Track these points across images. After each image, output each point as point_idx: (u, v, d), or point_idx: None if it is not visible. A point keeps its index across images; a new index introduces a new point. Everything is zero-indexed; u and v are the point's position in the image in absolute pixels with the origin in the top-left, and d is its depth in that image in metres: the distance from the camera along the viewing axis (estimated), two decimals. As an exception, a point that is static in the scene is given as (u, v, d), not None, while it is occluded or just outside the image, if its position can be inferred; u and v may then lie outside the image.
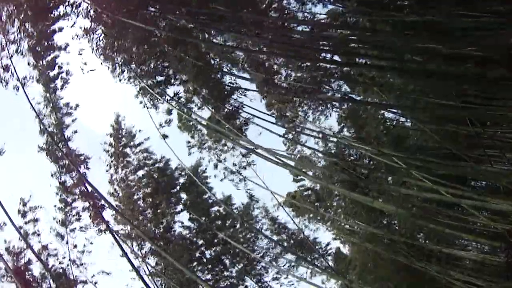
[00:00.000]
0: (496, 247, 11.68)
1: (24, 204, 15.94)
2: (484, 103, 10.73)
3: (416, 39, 11.01)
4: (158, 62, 16.68)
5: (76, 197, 16.61)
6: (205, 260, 18.38)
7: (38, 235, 15.79)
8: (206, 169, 19.78)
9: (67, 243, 16.01)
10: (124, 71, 16.47)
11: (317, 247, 20.22)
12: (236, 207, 19.70)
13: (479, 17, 10.22)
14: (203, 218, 18.87)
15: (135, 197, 18.59)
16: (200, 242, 18.81)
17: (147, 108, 18.86)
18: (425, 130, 13.17)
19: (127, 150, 19.22)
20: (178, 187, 19.38)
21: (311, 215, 20.30)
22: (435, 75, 10.61)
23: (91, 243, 16.40)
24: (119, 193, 18.50)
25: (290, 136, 19.90)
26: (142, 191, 18.79)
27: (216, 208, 19.54)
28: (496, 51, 9.58)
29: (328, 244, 20.68)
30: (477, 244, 13.48)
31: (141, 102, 18.91)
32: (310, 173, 17.98)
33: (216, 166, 19.75)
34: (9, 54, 16.20)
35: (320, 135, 19.14)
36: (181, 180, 19.63)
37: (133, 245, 17.35)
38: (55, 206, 16.52)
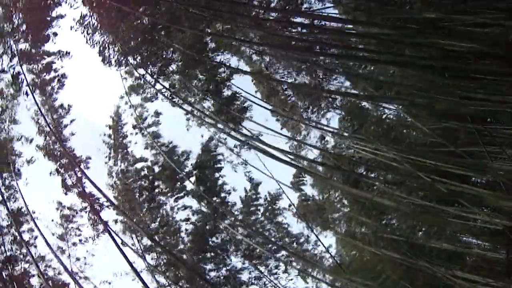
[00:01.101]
0: (496, 244, 11.63)
1: (19, 213, 15.94)
2: (485, 98, 10.67)
3: (416, 34, 11.00)
4: (154, 52, 16.65)
5: (75, 212, 16.67)
6: (209, 248, 18.37)
7: (35, 246, 15.78)
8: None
9: (68, 256, 15.97)
10: (120, 62, 16.45)
11: (318, 249, 20.30)
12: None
13: (479, 13, 10.22)
14: (211, 204, 18.80)
15: (135, 188, 18.57)
16: (206, 229, 18.76)
17: (134, 108, 18.93)
18: (425, 126, 13.14)
19: (133, 134, 19.09)
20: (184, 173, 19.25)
21: (313, 221, 20.29)
22: (435, 71, 10.60)
23: (93, 255, 16.42)
24: (118, 185, 18.48)
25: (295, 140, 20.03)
26: (143, 180, 18.75)
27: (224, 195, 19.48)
28: (497, 47, 9.57)
29: (329, 246, 20.75)
30: (477, 241, 13.42)
31: (131, 106, 18.97)
32: (310, 171, 17.91)
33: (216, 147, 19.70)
34: (19, 60, 16.37)
35: (320, 135, 19.25)
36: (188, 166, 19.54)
37: (133, 238, 17.32)
38: (52, 220, 16.57)
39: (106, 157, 18.85)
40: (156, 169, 19.05)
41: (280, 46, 15.42)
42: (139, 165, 19.19)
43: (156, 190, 18.70)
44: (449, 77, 10.38)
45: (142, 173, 18.79)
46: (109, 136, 19.27)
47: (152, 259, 17.60)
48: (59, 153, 16.94)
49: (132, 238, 17.40)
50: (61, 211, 16.97)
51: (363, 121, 15.95)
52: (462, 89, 10.61)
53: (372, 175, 16.50)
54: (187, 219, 18.76)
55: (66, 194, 16.96)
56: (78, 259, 16.20)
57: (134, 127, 19.26)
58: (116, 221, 17.55)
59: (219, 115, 17.55)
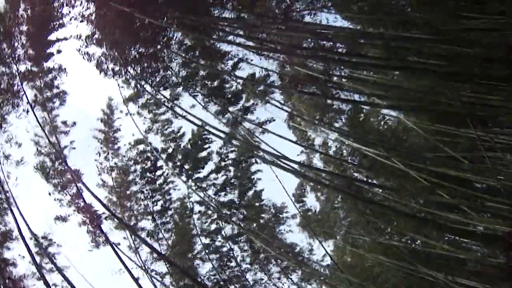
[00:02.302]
0: (496, 249, 11.58)
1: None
2: (486, 103, 10.73)
3: (419, 39, 11.12)
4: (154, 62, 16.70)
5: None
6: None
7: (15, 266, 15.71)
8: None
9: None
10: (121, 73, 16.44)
11: (318, 256, 20.27)
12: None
13: (481, 18, 10.33)
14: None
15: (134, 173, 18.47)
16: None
17: (131, 115, 18.82)
18: (425, 131, 13.22)
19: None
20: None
21: (314, 229, 20.28)
22: (438, 75, 10.69)
23: None
24: (114, 180, 18.41)
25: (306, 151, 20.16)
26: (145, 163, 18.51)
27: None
28: (498, 51, 9.66)
29: (329, 253, 20.66)
30: (477, 247, 13.38)
31: (127, 114, 18.93)
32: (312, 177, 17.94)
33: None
34: (20, 79, 16.46)
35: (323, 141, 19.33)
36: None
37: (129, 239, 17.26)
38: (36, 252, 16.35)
39: (97, 153, 18.64)
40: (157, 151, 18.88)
41: (286, 53, 15.63)
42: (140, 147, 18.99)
43: (160, 172, 18.67)
44: (450, 81, 10.47)
45: (145, 155, 18.73)
46: (100, 131, 18.96)
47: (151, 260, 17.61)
48: (57, 173, 16.70)
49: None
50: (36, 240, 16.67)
51: (364, 126, 16.05)
52: (463, 93, 10.69)
53: (373, 181, 16.56)
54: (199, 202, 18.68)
55: (64, 221, 16.71)
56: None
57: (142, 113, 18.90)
58: (107, 218, 17.27)
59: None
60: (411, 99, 12.29)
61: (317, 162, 20.87)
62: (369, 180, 16.92)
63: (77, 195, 16.28)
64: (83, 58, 16.02)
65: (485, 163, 11.54)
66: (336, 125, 17.99)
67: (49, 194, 16.52)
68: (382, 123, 16.83)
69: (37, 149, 16.79)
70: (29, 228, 13.81)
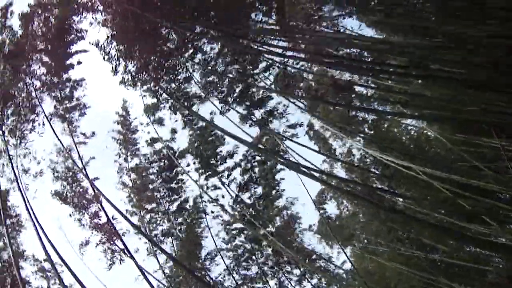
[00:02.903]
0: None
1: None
2: (509, 112, 10.65)
3: (442, 47, 11.18)
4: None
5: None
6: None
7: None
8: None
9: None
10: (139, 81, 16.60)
11: (336, 263, 20.16)
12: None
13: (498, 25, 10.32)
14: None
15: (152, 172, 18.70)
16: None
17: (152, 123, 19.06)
18: (449, 141, 13.15)
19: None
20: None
21: (333, 238, 20.26)
22: (460, 83, 10.70)
23: None
24: (133, 181, 18.65)
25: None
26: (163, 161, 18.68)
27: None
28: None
29: (348, 261, 20.55)
30: (498, 258, 13.16)
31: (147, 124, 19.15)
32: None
33: None
34: (36, 94, 16.88)
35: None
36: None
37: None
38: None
39: (117, 154, 19.04)
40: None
41: (312, 61, 15.83)
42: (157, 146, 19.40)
43: (178, 169, 18.85)
44: (473, 89, 10.46)
45: (162, 154, 19.01)
46: (119, 132, 19.29)
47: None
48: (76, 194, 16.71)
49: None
50: (37, 265, 16.98)
51: (387, 136, 16.05)
52: (486, 102, 10.65)
53: (395, 190, 16.49)
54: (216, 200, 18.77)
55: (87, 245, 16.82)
56: None
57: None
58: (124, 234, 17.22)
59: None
60: (434, 108, 12.29)
61: (340, 170, 20.94)
62: (391, 190, 16.86)
63: (97, 214, 16.13)
64: (104, 59, 15.74)
65: (508, 173, 11.41)
66: (360, 134, 18.06)
67: (70, 215, 16.58)
68: (405, 132, 16.79)
69: (54, 174, 17.01)
70: (48, 240, 13.88)
